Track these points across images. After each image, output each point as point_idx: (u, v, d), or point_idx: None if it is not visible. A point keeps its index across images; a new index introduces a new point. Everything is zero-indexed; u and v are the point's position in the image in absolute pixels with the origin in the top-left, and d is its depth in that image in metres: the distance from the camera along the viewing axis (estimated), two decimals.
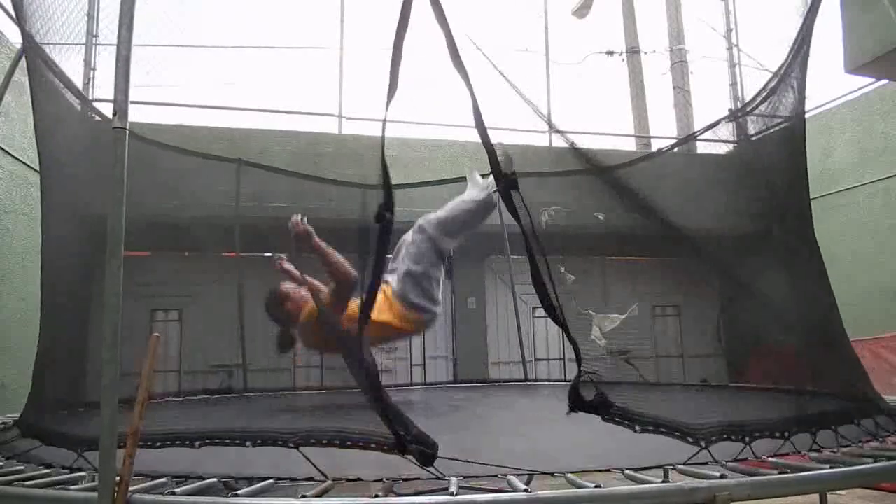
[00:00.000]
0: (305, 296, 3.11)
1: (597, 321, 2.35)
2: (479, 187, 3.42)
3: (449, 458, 1.42)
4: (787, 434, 1.44)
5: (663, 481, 1.32)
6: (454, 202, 3.38)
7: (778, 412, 1.66)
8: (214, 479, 1.43)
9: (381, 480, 1.39)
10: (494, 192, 3.19)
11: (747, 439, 1.39)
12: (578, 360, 1.46)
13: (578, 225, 3.81)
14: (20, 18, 2.35)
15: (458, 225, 3.29)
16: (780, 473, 1.28)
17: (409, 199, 5.53)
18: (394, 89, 1.57)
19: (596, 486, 1.25)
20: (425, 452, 1.35)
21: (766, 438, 1.43)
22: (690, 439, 1.37)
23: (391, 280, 3.26)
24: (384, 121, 1.56)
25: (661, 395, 3.36)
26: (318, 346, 3.32)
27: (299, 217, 2.98)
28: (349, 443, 1.42)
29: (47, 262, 2.44)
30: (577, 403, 1.40)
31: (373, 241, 1.53)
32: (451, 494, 1.25)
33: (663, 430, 1.38)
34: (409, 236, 3.30)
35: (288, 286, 3.20)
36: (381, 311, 3.13)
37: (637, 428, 1.37)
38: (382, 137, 1.57)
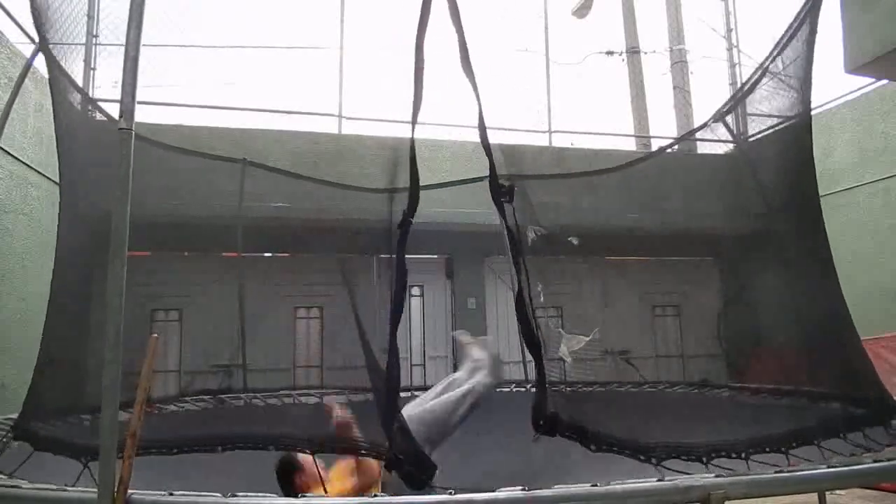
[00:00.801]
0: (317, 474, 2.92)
1: (565, 340, 2.38)
2: (475, 366, 3.17)
3: (443, 487, 1.41)
4: (744, 455, 1.43)
5: (659, 480, 1.32)
6: (448, 403, 2.97)
7: (742, 430, 1.66)
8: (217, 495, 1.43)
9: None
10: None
11: (704, 460, 1.40)
12: (541, 382, 1.47)
13: (577, 225, 3.82)
14: (38, 26, 2.34)
15: (446, 430, 2.91)
16: (776, 473, 1.28)
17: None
18: (419, 100, 1.58)
19: (592, 485, 1.26)
20: (420, 477, 1.36)
21: (724, 458, 1.43)
22: (642, 458, 1.37)
23: None
24: (412, 126, 1.56)
25: (621, 410, 3.30)
26: None
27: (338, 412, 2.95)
28: (361, 452, 1.44)
29: (60, 265, 2.44)
30: (538, 424, 1.41)
31: (393, 244, 1.55)
32: (450, 493, 1.26)
33: (615, 449, 1.38)
34: None
35: (303, 458, 3.00)
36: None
37: (592, 447, 1.38)
38: (412, 148, 1.57)
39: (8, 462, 1.92)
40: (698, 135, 4.31)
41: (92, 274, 2.54)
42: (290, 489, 2.91)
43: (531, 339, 1.50)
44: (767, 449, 1.46)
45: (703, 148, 7.55)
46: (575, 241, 3.03)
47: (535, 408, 1.46)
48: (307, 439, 1.50)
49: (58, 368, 2.51)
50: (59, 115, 2.40)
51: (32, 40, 2.36)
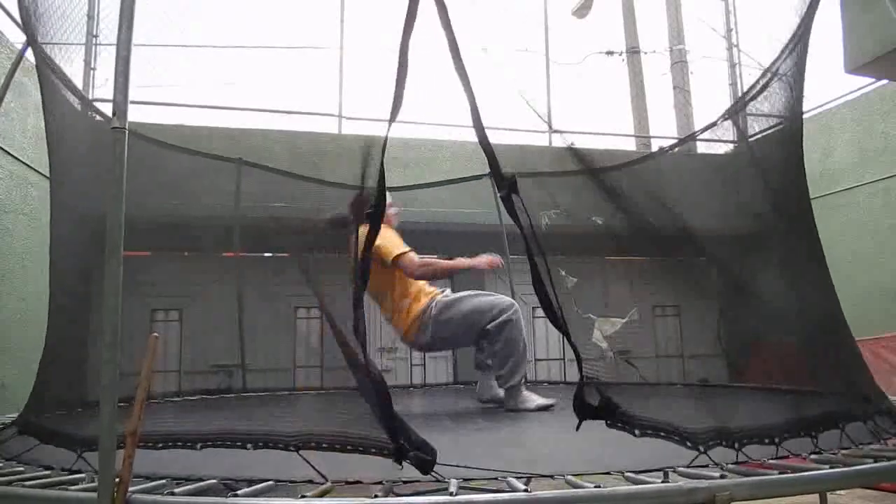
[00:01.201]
0: (389, 220, 3.22)
1: (598, 324, 2.36)
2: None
3: (449, 465, 1.42)
4: (778, 440, 1.44)
5: (663, 482, 1.32)
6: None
7: (773, 416, 1.66)
8: (214, 480, 1.43)
9: (380, 483, 1.39)
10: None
11: (737, 445, 1.40)
12: (580, 366, 1.46)
13: (578, 225, 3.81)
14: (26, 22, 2.35)
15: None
16: (779, 474, 1.28)
17: (412, 200, 5.54)
18: (398, 105, 1.57)
19: (595, 487, 1.25)
20: (424, 459, 1.35)
21: (758, 445, 1.43)
22: (689, 444, 1.38)
23: (448, 292, 3.38)
24: (385, 138, 1.54)
25: (660, 397, 3.36)
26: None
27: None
28: (349, 447, 1.43)
29: (55, 262, 2.44)
30: (583, 411, 1.41)
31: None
32: (451, 495, 1.25)
33: (662, 434, 1.38)
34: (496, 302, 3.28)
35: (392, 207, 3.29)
36: (416, 297, 3.27)
37: (637, 432, 1.38)
38: (383, 147, 1.56)
39: (11, 449, 1.93)
40: (704, 135, 4.31)
41: (92, 274, 2.53)
42: (354, 212, 3.12)
43: (557, 324, 1.49)
44: (787, 435, 1.46)
45: (702, 148, 7.55)
46: (599, 221, 3.04)
47: (577, 393, 1.46)
48: (291, 435, 1.48)
49: (62, 364, 2.52)
50: (51, 113, 2.40)
51: (37, 42, 2.35)
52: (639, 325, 7.50)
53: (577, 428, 1.44)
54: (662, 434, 1.38)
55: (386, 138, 1.53)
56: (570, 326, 1.49)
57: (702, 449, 1.37)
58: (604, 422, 1.41)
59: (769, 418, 1.59)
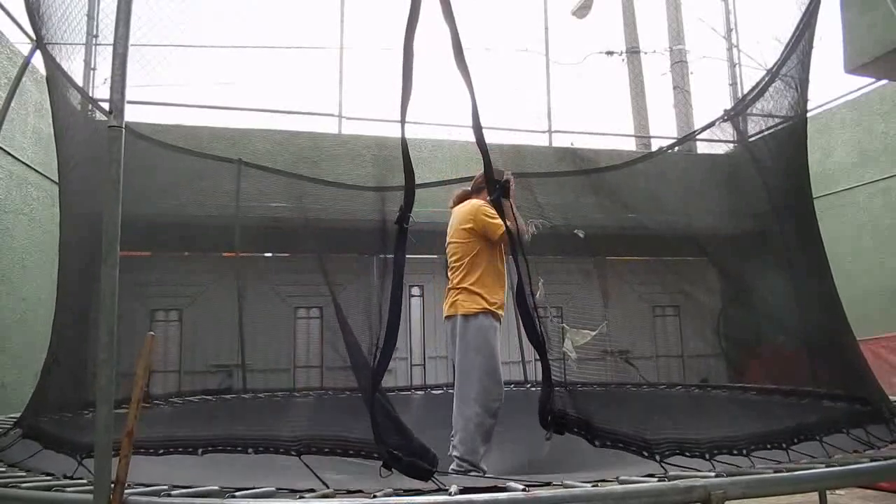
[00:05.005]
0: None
1: (570, 335, 2.37)
2: None
3: (448, 473, 1.43)
4: (746, 451, 1.43)
5: (659, 480, 1.32)
6: None
7: (745, 427, 1.66)
8: (215, 488, 1.43)
9: (382, 489, 1.39)
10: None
11: (707, 455, 1.40)
12: (546, 379, 1.47)
13: (577, 225, 3.81)
14: (33, 24, 2.36)
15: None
16: (775, 472, 1.28)
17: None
18: (408, 91, 1.57)
19: (593, 485, 1.25)
20: (423, 467, 1.35)
21: (727, 455, 1.43)
22: (646, 454, 1.38)
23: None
24: (402, 124, 1.55)
25: (628, 406, 3.32)
26: None
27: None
28: (351, 452, 1.43)
29: (63, 265, 2.44)
30: (546, 423, 1.42)
31: (390, 243, 1.54)
32: (450, 494, 1.25)
33: (620, 445, 1.39)
34: None
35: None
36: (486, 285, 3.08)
37: (596, 443, 1.38)
38: (403, 142, 1.57)
39: (13, 455, 1.92)
40: (703, 135, 4.31)
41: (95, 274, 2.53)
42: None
43: (534, 335, 1.50)
44: (769, 445, 1.46)
45: (702, 148, 7.54)
46: (581, 234, 3.02)
47: (542, 406, 1.46)
48: (293, 440, 1.49)
49: (66, 366, 2.51)
50: (58, 114, 2.41)
51: (31, 39, 2.36)
52: (639, 326, 7.50)
53: (548, 438, 1.45)
54: (621, 445, 1.39)
55: (403, 135, 1.53)
56: (546, 336, 1.51)
57: (658, 459, 1.38)
58: (563, 433, 1.41)
59: (739, 429, 1.59)
